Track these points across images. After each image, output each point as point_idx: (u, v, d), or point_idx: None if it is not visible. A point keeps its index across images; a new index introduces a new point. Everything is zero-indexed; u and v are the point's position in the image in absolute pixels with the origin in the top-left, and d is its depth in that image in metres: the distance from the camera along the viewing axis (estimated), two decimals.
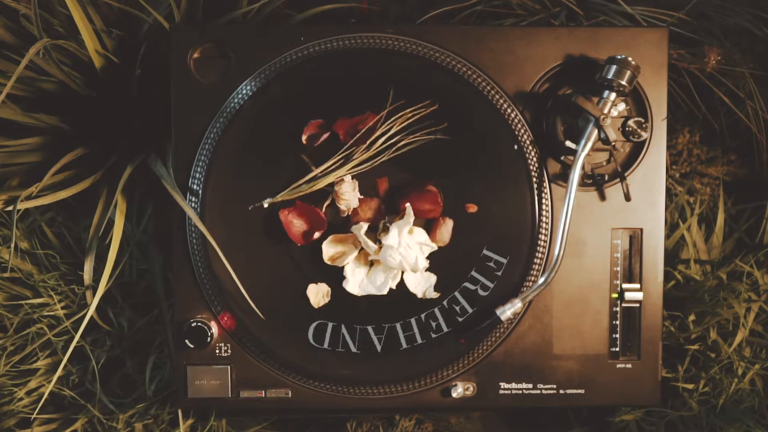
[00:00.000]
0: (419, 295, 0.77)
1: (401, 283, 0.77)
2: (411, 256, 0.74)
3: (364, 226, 0.76)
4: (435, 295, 0.77)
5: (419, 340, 0.79)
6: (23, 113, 0.82)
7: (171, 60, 0.78)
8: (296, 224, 0.76)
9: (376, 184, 0.78)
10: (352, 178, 0.76)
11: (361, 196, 0.77)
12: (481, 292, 0.78)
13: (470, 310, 0.78)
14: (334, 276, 0.78)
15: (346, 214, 0.77)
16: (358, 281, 0.77)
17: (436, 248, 0.77)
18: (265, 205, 0.76)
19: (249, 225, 0.78)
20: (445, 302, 0.78)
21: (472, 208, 0.77)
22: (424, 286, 0.77)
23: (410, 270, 0.75)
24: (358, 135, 0.74)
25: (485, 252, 0.78)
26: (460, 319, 0.78)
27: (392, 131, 0.74)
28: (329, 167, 0.75)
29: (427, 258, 0.76)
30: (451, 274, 0.78)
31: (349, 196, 0.75)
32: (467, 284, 0.78)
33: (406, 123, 0.74)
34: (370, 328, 0.79)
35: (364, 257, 0.78)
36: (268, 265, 0.78)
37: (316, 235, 0.76)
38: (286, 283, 0.78)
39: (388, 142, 0.75)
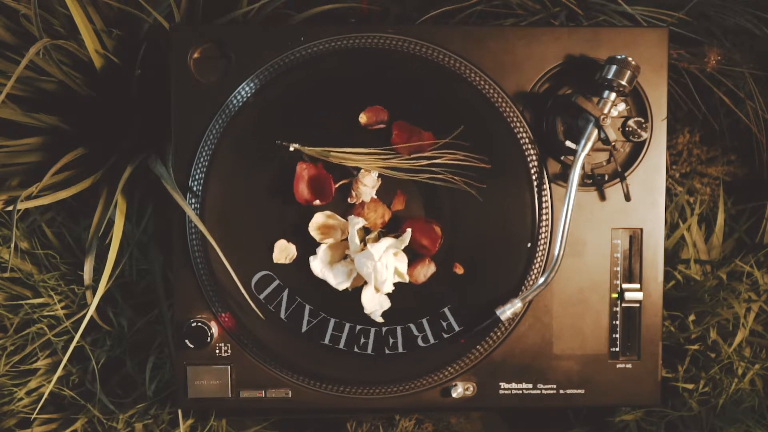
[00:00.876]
0: (366, 311, 0.77)
1: (357, 289, 0.77)
2: (383, 275, 0.74)
3: (361, 222, 0.76)
4: (379, 320, 0.77)
5: (342, 345, 0.79)
6: (23, 113, 0.82)
7: (171, 60, 0.78)
8: (306, 181, 0.76)
9: (395, 196, 0.78)
10: (378, 177, 0.77)
11: (375, 197, 0.77)
12: (420, 343, 0.79)
13: (400, 350, 0.79)
14: (307, 246, 0.77)
15: (352, 202, 0.77)
16: (322, 264, 0.77)
17: (407, 282, 0.77)
18: (291, 149, 0.75)
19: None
20: (383, 329, 0.78)
21: (459, 270, 0.78)
22: (374, 307, 0.77)
23: (373, 286, 0.75)
24: (408, 144, 0.75)
25: (445, 310, 0.78)
26: (387, 351, 0.79)
27: (438, 161, 0.75)
28: (369, 153, 0.75)
29: (393, 284, 0.76)
30: (403, 309, 0.78)
31: (365, 189, 0.76)
32: (412, 327, 0.78)
33: (453, 162, 0.75)
34: (307, 307, 0.78)
35: (342, 248, 0.77)
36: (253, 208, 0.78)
37: (317, 202, 0.76)
38: (263, 228, 0.78)
39: (430, 168, 0.76)
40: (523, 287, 0.78)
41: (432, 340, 0.78)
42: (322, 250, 0.77)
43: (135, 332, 0.92)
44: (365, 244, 0.76)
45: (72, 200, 0.89)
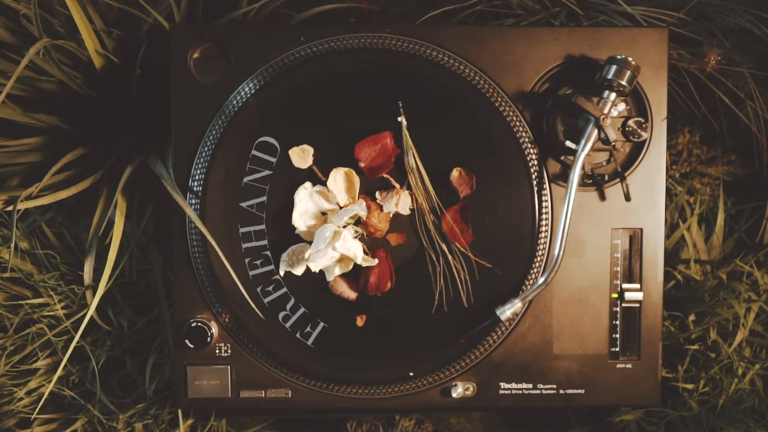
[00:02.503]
0: (285, 253, 0.78)
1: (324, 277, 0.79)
2: (323, 256, 0.74)
3: (363, 213, 0.76)
4: (281, 272, 0.78)
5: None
6: (23, 113, 0.82)
7: (171, 60, 0.78)
8: (376, 148, 0.76)
9: (400, 233, 0.78)
10: (411, 209, 0.78)
11: (391, 215, 0.78)
12: (282, 319, 0.79)
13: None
14: (317, 178, 0.78)
15: (376, 198, 0.78)
16: (306, 198, 0.77)
17: (327, 281, 0.78)
18: (398, 119, 0.76)
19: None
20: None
21: (360, 321, 0.79)
22: (289, 261, 0.77)
23: (307, 254, 0.75)
24: (448, 225, 0.77)
25: (320, 323, 0.79)
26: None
27: (449, 258, 0.78)
28: (428, 192, 0.77)
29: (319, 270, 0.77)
30: (300, 288, 0.79)
31: (392, 204, 0.77)
32: (289, 305, 0.79)
33: (455, 270, 0.78)
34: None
35: (331, 207, 0.78)
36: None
37: (362, 164, 0.77)
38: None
39: (440, 252, 0.78)
40: (523, 287, 0.78)
41: (287, 327, 0.79)
42: (318, 189, 0.77)
43: (135, 332, 0.92)
44: (345, 227, 0.76)
45: (72, 200, 0.89)
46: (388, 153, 0.77)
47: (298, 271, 0.78)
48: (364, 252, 0.77)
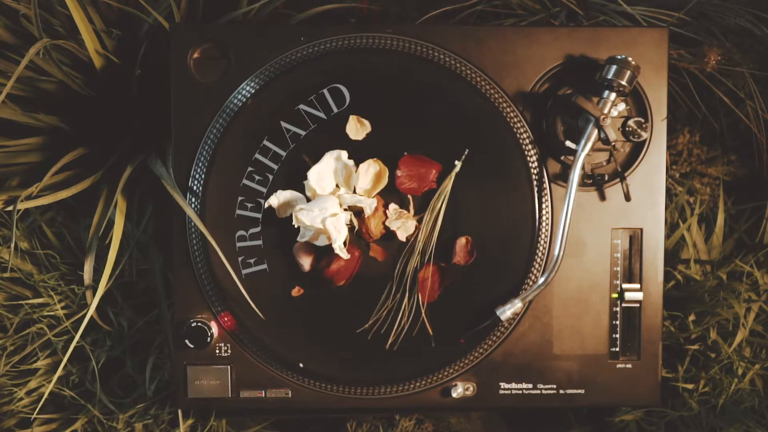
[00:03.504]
0: (277, 192, 0.78)
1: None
2: (312, 221, 0.74)
3: (368, 210, 0.76)
4: (267, 203, 0.77)
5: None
6: (23, 113, 0.82)
7: (171, 60, 0.78)
8: (421, 172, 0.77)
9: (381, 249, 0.79)
10: (409, 236, 0.78)
11: (388, 229, 0.78)
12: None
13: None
14: (360, 158, 0.77)
15: (388, 212, 0.78)
16: (330, 167, 0.77)
17: (296, 240, 0.78)
18: (456, 163, 0.77)
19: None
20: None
21: (296, 292, 0.79)
22: (280, 196, 0.77)
23: (298, 207, 0.75)
24: (422, 274, 0.78)
25: (265, 261, 0.79)
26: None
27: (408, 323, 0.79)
28: (433, 233, 0.78)
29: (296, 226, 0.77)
30: (273, 247, 0.79)
31: (396, 224, 0.77)
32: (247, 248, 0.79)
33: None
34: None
35: (347, 186, 0.78)
36: None
37: (398, 173, 0.77)
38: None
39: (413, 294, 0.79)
40: (523, 287, 0.78)
41: (237, 246, 0.79)
42: (349, 164, 0.77)
43: (135, 332, 0.92)
44: (345, 210, 0.77)
45: (72, 200, 0.89)
46: (426, 182, 0.77)
47: (282, 214, 0.78)
48: (344, 242, 0.77)
